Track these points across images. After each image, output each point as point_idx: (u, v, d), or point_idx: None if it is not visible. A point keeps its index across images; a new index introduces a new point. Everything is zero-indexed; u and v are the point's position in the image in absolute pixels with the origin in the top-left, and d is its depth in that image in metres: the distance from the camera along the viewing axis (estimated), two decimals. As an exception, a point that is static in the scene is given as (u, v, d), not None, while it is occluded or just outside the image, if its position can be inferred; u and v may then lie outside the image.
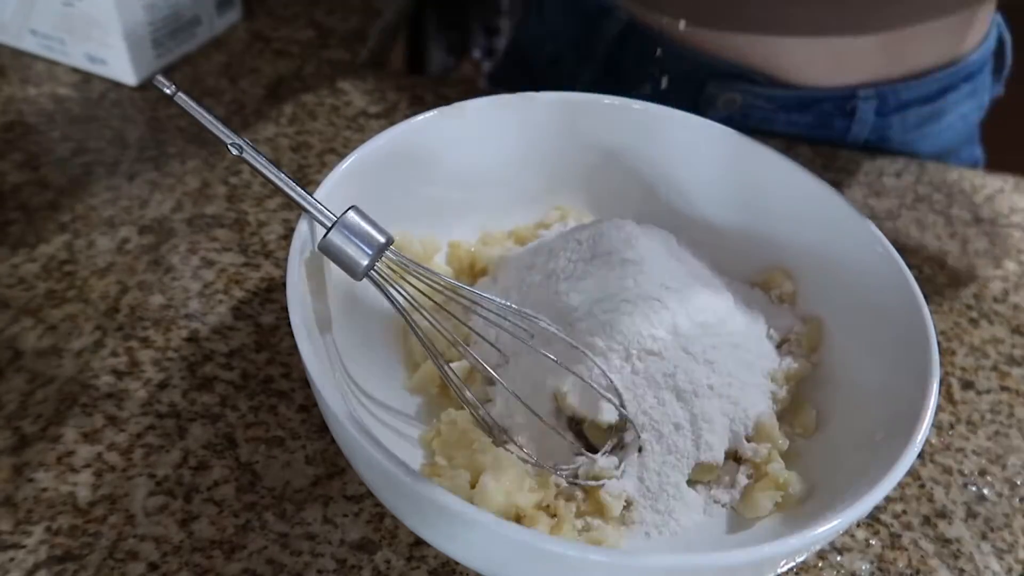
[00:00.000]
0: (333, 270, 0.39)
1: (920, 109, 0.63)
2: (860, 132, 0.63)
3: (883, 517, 0.43)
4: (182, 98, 0.36)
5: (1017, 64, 0.71)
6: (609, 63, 0.68)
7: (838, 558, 0.41)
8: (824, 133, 0.64)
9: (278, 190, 0.37)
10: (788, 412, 0.42)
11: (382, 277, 0.38)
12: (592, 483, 0.38)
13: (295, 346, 0.34)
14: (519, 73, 0.81)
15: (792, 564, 0.34)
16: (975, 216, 0.61)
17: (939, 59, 0.62)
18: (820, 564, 0.40)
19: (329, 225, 0.37)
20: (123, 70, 0.60)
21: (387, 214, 0.39)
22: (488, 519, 0.30)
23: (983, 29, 0.64)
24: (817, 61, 0.61)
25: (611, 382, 0.38)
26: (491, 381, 0.41)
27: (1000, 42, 0.69)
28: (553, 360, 0.38)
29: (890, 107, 0.62)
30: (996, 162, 0.72)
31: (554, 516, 0.38)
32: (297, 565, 0.37)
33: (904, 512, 0.43)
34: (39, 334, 0.45)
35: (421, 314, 0.39)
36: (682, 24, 0.60)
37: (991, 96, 0.70)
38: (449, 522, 0.31)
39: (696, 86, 0.64)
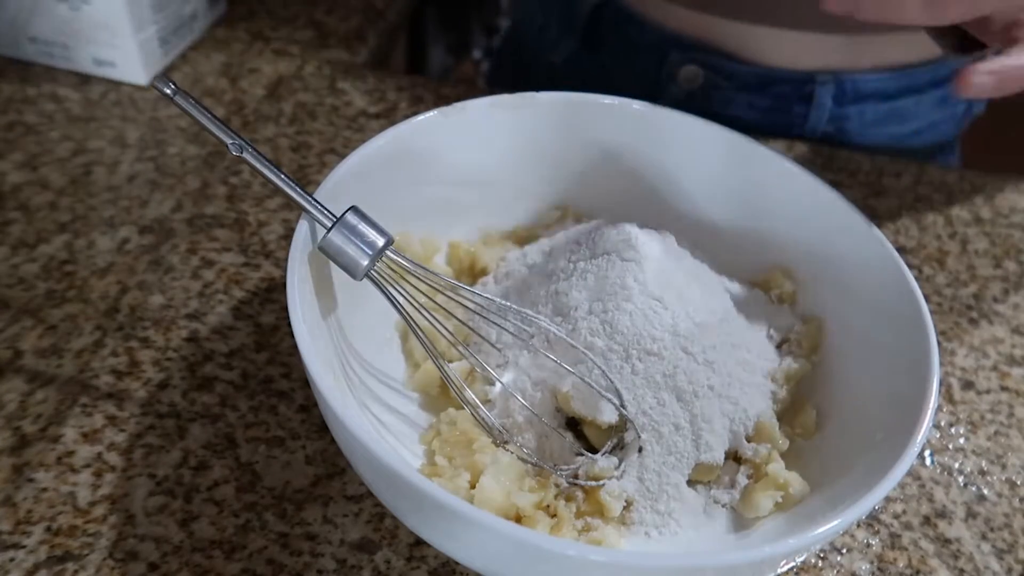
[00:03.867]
0: (333, 270, 0.39)
1: (878, 106, 0.64)
2: (818, 121, 0.64)
3: (883, 517, 0.43)
4: (182, 98, 0.36)
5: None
6: (587, 32, 0.69)
7: (838, 558, 0.41)
8: (783, 119, 0.64)
9: (278, 190, 0.37)
10: (788, 412, 0.42)
11: (382, 277, 0.38)
12: (592, 483, 0.38)
13: (295, 346, 0.34)
14: (515, 48, 0.82)
15: (792, 564, 0.34)
16: (975, 216, 0.61)
17: (902, 57, 0.62)
18: (820, 564, 0.40)
19: (329, 225, 0.37)
20: (133, 71, 0.60)
21: (387, 214, 0.39)
22: (488, 519, 0.30)
23: None
24: (780, 45, 0.62)
25: (611, 382, 0.38)
26: (491, 381, 0.41)
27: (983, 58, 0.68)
28: (553, 360, 0.38)
29: (848, 97, 0.63)
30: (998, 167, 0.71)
31: (554, 516, 0.38)
32: (297, 565, 0.37)
33: (904, 512, 0.43)
34: (39, 334, 0.45)
35: (421, 314, 0.39)
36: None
37: (972, 113, 0.70)
38: (449, 522, 0.31)
39: (659, 58, 0.65)
